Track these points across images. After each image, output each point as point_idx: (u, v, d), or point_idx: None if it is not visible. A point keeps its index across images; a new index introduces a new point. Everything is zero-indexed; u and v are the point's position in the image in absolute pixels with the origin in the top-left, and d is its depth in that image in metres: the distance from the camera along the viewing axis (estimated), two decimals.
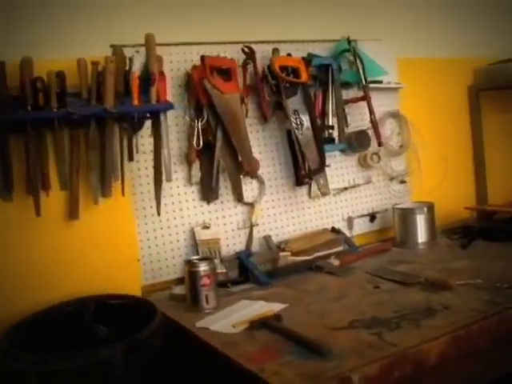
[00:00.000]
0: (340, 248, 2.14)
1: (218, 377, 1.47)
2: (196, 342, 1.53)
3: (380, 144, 2.20)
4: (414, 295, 1.67)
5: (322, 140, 2.07)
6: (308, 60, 2.10)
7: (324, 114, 2.14)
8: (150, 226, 1.93)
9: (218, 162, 1.93)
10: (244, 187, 2.07)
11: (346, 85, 2.24)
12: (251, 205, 2.08)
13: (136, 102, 1.68)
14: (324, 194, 2.12)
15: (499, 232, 2.18)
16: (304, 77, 2.04)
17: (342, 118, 2.14)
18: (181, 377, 1.63)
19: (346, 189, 2.29)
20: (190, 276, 1.70)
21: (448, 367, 1.40)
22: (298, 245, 2.07)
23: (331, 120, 2.14)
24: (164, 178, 1.80)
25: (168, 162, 1.77)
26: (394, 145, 2.41)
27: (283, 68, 2.03)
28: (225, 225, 2.06)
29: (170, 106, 1.77)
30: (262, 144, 2.13)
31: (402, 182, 2.42)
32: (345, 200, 2.31)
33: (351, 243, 2.19)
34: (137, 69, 1.75)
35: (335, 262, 2.01)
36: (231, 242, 2.07)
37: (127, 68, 1.75)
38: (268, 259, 1.99)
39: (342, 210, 2.30)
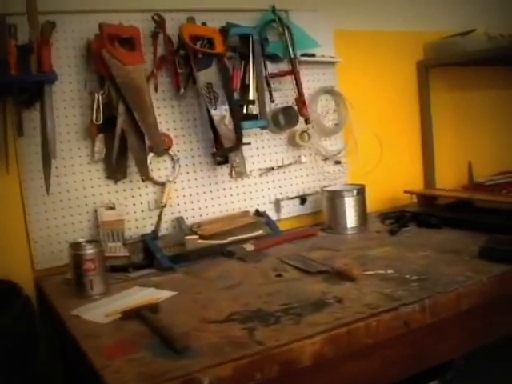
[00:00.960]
0: (260, 232, 2.01)
1: (81, 370, 1.35)
2: (66, 330, 1.41)
3: (307, 121, 2.06)
4: (314, 286, 1.54)
5: (239, 116, 1.92)
6: (226, 30, 1.94)
7: (245, 89, 1.99)
8: (48, 206, 1.80)
9: (120, 138, 1.79)
10: (156, 165, 1.95)
11: (276, 58, 2.09)
12: (163, 184, 1.94)
13: (13, 72, 1.54)
14: (239, 175, 1.97)
15: (433, 218, 2.04)
16: (219, 48, 1.89)
17: (263, 93, 1.99)
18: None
19: (272, 169, 2.14)
20: (74, 260, 1.58)
21: (326, 368, 1.28)
22: (212, 228, 1.94)
23: (253, 95, 1.99)
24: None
25: (52, 138, 1.64)
26: (329, 123, 2.26)
27: (196, 38, 1.88)
28: (134, 205, 1.93)
29: (52, 77, 1.63)
30: (177, 120, 1.99)
31: (337, 162, 2.27)
32: (272, 181, 2.16)
33: (274, 227, 2.05)
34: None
35: (249, 248, 1.88)
36: (141, 224, 1.94)
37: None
38: (177, 243, 1.87)
39: (269, 191, 2.16)
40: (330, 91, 2.23)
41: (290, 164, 2.18)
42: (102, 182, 1.88)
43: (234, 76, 1.96)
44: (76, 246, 1.58)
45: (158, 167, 1.95)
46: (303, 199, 2.21)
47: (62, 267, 1.80)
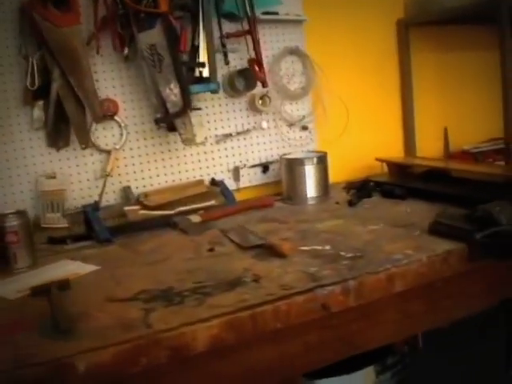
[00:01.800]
0: (212, 202, 1.92)
1: None
2: None
3: (264, 85, 1.94)
4: (240, 262, 1.45)
5: (185, 79, 1.81)
6: None
7: (195, 51, 1.87)
8: None
9: (56, 104, 1.72)
10: (102, 132, 1.87)
11: (233, 17, 1.97)
12: (109, 152, 1.87)
13: None
14: (188, 142, 1.87)
15: (398, 188, 1.91)
16: (163, 6, 1.77)
17: (214, 55, 1.87)
18: None
19: (231, 135, 2.04)
20: None
21: (227, 354, 1.20)
22: (159, 198, 1.86)
23: (203, 57, 1.87)
24: None
25: None
26: (295, 86, 2.12)
27: None
28: (79, 174, 1.87)
29: None
30: (125, 84, 1.90)
31: (304, 128, 2.15)
32: (231, 148, 2.06)
33: (229, 197, 1.96)
34: None
35: (195, 219, 1.79)
36: (87, 194, 1.88)
37: None
38: (119, 214, 1.80)
39: (227, 159, 2.06)
40: (295, 52, 2.10)
41: (250, 130, 2.07)
42: (44, 150, 1.82)
43: (182, 37, 1.84)
44: None
45: (105, 134, 1.88)
46: (265, 167, 2.11)
47: None
